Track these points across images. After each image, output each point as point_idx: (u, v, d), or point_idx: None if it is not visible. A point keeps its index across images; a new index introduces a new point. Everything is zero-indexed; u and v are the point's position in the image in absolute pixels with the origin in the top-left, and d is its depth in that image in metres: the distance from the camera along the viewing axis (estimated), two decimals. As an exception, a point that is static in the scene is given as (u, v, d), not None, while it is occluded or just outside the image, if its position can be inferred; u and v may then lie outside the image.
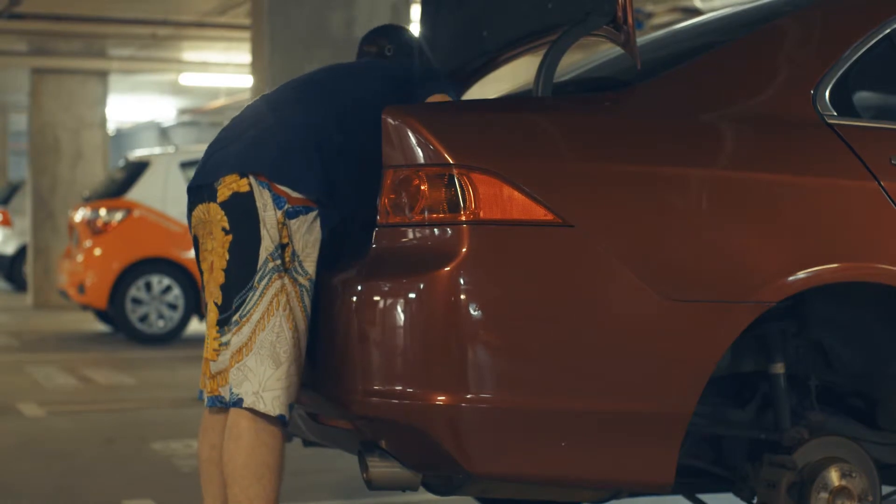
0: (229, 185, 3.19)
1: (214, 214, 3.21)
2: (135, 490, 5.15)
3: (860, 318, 3.33)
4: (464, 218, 2.89)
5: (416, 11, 6.64)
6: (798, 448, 3.17)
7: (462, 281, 2.86)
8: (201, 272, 3.33)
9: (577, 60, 4.14)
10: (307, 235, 3.18)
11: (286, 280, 3.14)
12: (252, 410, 3.12)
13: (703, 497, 3.56)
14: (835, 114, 3.19)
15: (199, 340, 12.30)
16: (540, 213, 2.90)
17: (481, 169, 2.90)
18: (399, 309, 2.91)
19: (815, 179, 3.12)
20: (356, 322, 2.99)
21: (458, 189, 2.90)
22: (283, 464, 3.18)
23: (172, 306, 11.46)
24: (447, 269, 2.86)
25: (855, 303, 3.29)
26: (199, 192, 3.28)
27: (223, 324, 3.20)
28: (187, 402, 7.69)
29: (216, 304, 3.22)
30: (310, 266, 3.19)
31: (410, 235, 2.97)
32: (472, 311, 2.85)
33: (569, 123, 3.07)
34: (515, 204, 2.89)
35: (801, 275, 3.03)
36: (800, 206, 3.09)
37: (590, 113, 3.13)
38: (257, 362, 3.12)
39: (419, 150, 2.95)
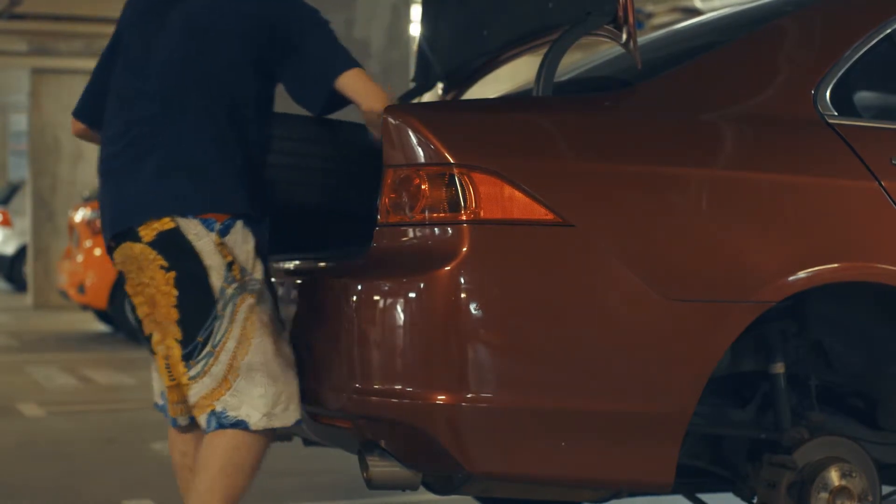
0: (151, 227, 3.07)
1: (145, 254, 3.09)
2: (135, 490, 5.15)
3: (860, 317, 3.33)
4: (464, 217, 2.89)
5: (416, 11, 6.64)
6: (798, 448, 3.17)
7: (462, 280, 2.86)
8: (132, 304, 3.22)
9: (577, 60, 4.14)
10: (244, 245, 3.12)
11: (250, 299, 3.09)
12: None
13: (703, 497, 3.56)
14: (835, 114, 3.19)
15: (198, 340, 12.28)
16: (541, 212, 2.90)
17: (482, 168, 2.90)
18: (399, 308, 2.91)
19: (816, 179, 3.12)
20: (356, 321, 2.99)
21: (459, 188, 2.90)
22: (257, 468, 3.15)
23: (172, 306, 11.43)
24: (447, 268, 2.86)
25: (855, 303, 3.29)
26: (117, 235, 3.16)
27: (189, 357, 3.10)
28: (187, 402, 7.67)
29: (177, 339, 3.11)
30: (258, 273, 3.13)
31: (411, 235, 2.97)
32: (472, 311, 2.85)
33: (569, 123, 3.07)
34: (516, 203, 2.89)
35: (801, 275, 3.03)
36: (800, 206, 3.09)
37: (590, 113, 3.13)
38: (252, 385, 3.07)
39: (419, 150, 2.95)
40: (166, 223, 3.06)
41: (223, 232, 3.08)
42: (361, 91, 3.20)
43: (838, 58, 3.25)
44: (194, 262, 3.06)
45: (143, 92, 3.19)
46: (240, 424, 3.10)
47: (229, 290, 3.07)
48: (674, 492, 3.16)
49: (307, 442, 3.65)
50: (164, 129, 3.12)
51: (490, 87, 4.33)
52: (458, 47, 4.00)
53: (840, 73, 3.23)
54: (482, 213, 2.88)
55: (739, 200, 3.04)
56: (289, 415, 3.11)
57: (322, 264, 3.32)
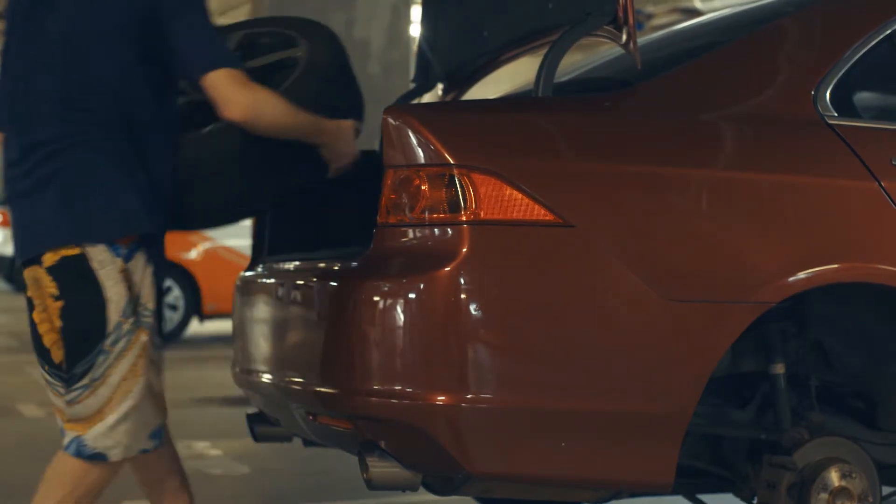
0: (58, 252, 2.97)
1: (43, 279, 3.01)
2: (135, 490, 5.12)
3: (860, 318, 3.33)
4: (464, 218, 2.89)
5: (416, 11, 6.64)
6: (798, 448, 3.17)
7: (462, 281, 2.86)
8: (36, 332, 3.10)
9: (577, 60, 4.14)
10: (145, 270, 3.03)
11: (143, 336, 3.01)
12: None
13: (703, 497, 3.56)
14: (835, 114, 3.19)
15: (199, 341, 12.29)
16: (540, 213, 2.90)
17: (482, 169, 2.90)
18: (399, 309, 2.91)
19: (816, 180, 3.12)
20: (356, 322, 2.99)
21: (459, 189, 2.90)
22: (105, 488, 3.11)
23: (172, 307, 11.45)
24: (447, 269, 2.86)
25: (855, 303, 3.29)
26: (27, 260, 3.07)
27: (67, 382, 3.00)
28: (187, 402, 7.68)
29: (54, 362, 3.02)
30: (151, 302, 3.04)
31: (410, 235, 2.97)
32: (472, 311, 2.85)
33: (569, 123, 3.07)
34: (516, 204, 2.89)
35: (801, 275, 3.03)
36: (800, 207, 3.09)
37: (590, 113, 3.14)
38: (124, 421, 3.00)
39: (419, 150, 2.95)
40: (72, 249, 2.96)
41: (128, 257, 2.98)
42: (220, 97, 3.02)
43: (838, 58, 3.25)
44: (93, 292, 2.96)
45: (34, 112, 3.04)
46: (98, 457, 3.03)
47: (126, 326, 2.97)
48: (674, 492, 3.17)
49: (307, 442, 3.65)
50: (62, 152, 2.99)
51: (490, 87, 4.33)
52: (459, 48, 4.00)
53: (840, 74, 3.23)
54: (482, 214, 2.88)
55: (739, 201, 3.04)
56: (143, 443, 3.05)
57: (322, 264, 3.32)
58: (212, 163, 3.18)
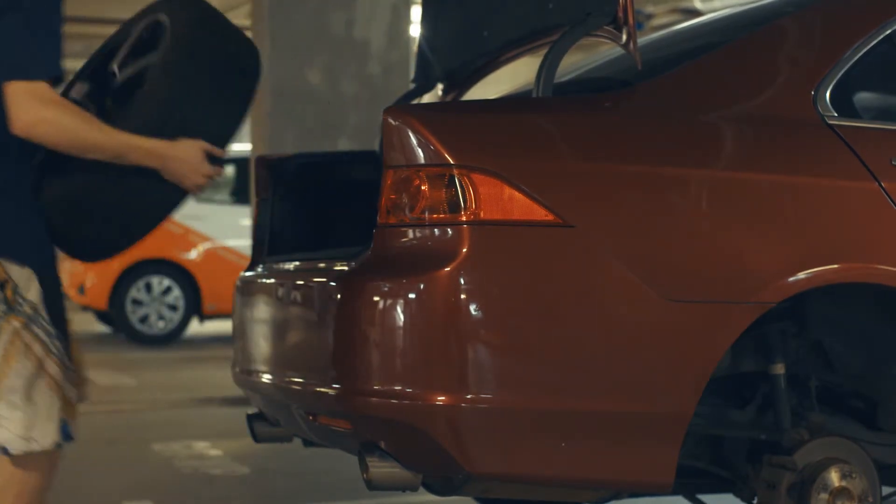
0: None
1: None
2: (135, 491, 5.15)
3: (860, 318, 3.33)
4: (464, 218, 2.89)
5: (416, 11, 6.65)
6: (798, 449, 3.17)
7: (462, 281, 2.86)
8: None
9: (577, 60, 4.14)
10: (21, 272, 2.92)
11: (16, 322, 2.89)
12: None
13: (703, 497, 3.56)
14: (835, 114, 3.19)
15: (199, 342, 12.29)
16: (540, 213, 2.90)
17: (482, 169, 2.90)
18: (399, 309, 2.91)
19: (816, 180, 3.12)
20: (356, 322, 2.99)
21: (459, 189, 2.90)
22: (39, 492, 3.00)
23: (172, 307, 11.46)
24: (447, 269, 2.86)
25: (855, 303, 3.29)
26: None
27: None
28: (187, 402, 7.68)
29: None
30: (33, 294, 2.92)
31: (410, 235, 2.96)
32: (472, 312, 2.85)
33: (569, 123, 3.07)
34: (516, 204, 2.89)
35: (801, 275, 3.03)
36: (800, 207, 3.09)
37: (590, 113, 3.14)
38: (10, 408, 2.89)
39: (419, 151, 2.95)
40: None
41: None
42: (8, 110, 2.90)
43: (838, 58, 3.25)
44: None
45: None
46: (3, 451, 2.92)
47: None
48: (674, 492, 3.17)
49: (307, 442, 3.65)
50: None
51: (490, 87, 4.34)
52: (459, 48, 4.00)
53: (840, 74, 3.23)
54: (482, 214, 2.88)
55: (739, 201, 3.04)
56: (47, 439, 2.92)
57: (322, 264, 3.32)
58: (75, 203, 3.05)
